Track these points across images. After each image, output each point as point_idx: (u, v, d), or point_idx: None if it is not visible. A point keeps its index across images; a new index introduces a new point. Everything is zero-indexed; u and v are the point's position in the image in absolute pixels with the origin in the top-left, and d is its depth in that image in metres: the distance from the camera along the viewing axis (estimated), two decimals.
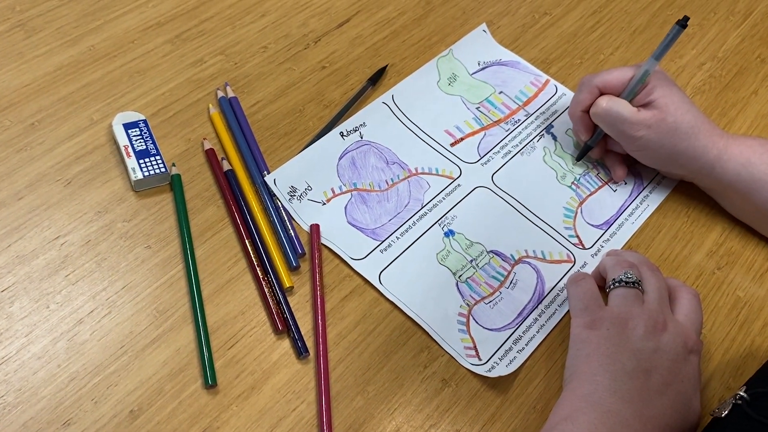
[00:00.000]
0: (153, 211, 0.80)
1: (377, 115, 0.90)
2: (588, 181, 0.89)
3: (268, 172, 0.83)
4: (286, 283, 0.76)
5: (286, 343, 0.73)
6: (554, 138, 0.92)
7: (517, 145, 0.90)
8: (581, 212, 0.86)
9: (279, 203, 0.81)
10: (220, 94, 0.89)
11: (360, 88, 0.93)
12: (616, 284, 0.74)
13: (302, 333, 0.74)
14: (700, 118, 0.81)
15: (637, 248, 0.84)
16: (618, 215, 0.87)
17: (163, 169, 0.80)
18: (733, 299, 0.82)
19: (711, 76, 1.03)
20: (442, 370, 0.74)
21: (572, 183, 0.88)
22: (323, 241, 0.79)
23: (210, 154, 0.84)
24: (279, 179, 0.82)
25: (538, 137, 0.92)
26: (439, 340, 0.75)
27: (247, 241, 0.78)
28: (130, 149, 0.81)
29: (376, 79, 0.94)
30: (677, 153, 0.81)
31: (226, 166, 0.83)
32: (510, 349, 0.75)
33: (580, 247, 0.84)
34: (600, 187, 0.89)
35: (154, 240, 0.78)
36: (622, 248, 0.84)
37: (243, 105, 0.89)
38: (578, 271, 0.79)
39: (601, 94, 0.83)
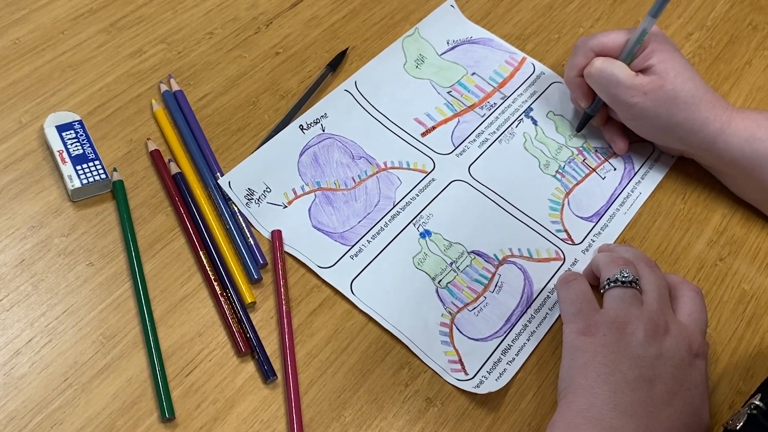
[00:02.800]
0: (94, 223, 0.77)
1: (340, 104, 0.88)
2: (574, 169, 0.87)
3: (222, 174, 0.80)
4: (248, 299, 0.73)
5: (250, 367, 0.71)
6: (534, 122, 0.90)
7: (494, 132, 0.88)
8: (568, 204, 0.84)
9: (235, 208, 0.77)
10: (164, 87, 0.86)
11: (319, 75, 0.90)
12: (611, 284, 0.72)
13: (268, 354, 0.71)
14: (702, 88, 0.80)
15: (631, 241, 0.82)
16: (608, 205, 0.85)
17: (103, 176, 0.78)
18: (738, 293, 0.81)
19: (700, 47, 1.02)
20: (425, 387, 0.72)
21: (557, 172, 0.86)
22: (287, 248, 0.76)
23: (155, 156, 0.81)
24: (234, 182, 0.79)
25: (516, 122, 0.90)
26: (421, 354, 0.73)
27: (201, 252, 0.75)
28: (65, 154, 0.78)
29: (336, 65, 0.91)
30: (675, 124, 0.80)
31: (174, 169, 0.80)
32: (499, 360, 0.73)
33: (570, 242, 0.82)
34: (587, 176, 0.87)
35: (96, 256, 0.75)
36: (615, 242, 0.82)
37: (190, 99, 0.86)
38: (568, 270, 0.77)
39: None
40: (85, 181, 0.77)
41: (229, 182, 0.79)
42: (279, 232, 0.77)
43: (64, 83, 0.86)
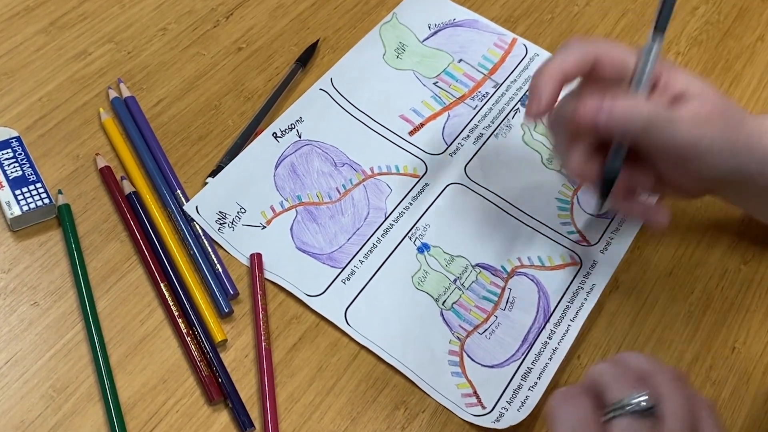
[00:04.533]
0: (38, 255, 0.71)
1: (315, 105, 0.82)
2: None
3: (182, 191, 0.75)
4: (218, 337, 0.68)
5: (224, 416, 0.66)
6: None
7: (489, 126, 0.83)
8: (578, 202, 0.79)
9: (199, 231, 0.71)
10: (113, 94, 0.81)
11: (287, 71, 0.85)
12: (619, 411, 0.54)
13: (243, 401, 0.66)
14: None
15: (644, 247, 0.77)
16: None
17: (46, 200, 0.72)
18: (767, 301, 0.75)
19: (707, 22, 0.97)
20: (424, 430, 0.67)
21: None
22: (268, 275, 0.71)
23: (106, 174, 0.76)
24: (202, 206, 0.74)
25: (512, 113, 0.85)
26: (429, 390, 0.67)
27: (162, 285, 0.70)
28: (1, 177, 0.73)
29: (307, 59, 0.86)
30: (739, 149, 0.66)
31: (127, 188, 0.75)
32: (519, 387, 0.68)
33: (585, 244, 0.77)
34: None
35: (42, 294, 0.70)
36: (630, 245, 0.76)
37: (142, 106, 0.81)
38: (564, 389, 0.59)
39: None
40: (25, 208, 0.72)
41: (197, 207, 0.74)
42: (258, 255, 0.72)
43: None
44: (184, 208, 0.73)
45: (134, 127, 0.79)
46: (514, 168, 0.82)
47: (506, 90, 0.87)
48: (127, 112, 0.80)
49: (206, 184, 0.76)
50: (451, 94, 0.86)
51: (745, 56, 0.94)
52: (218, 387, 0.66)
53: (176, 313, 0.69)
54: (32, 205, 0.72)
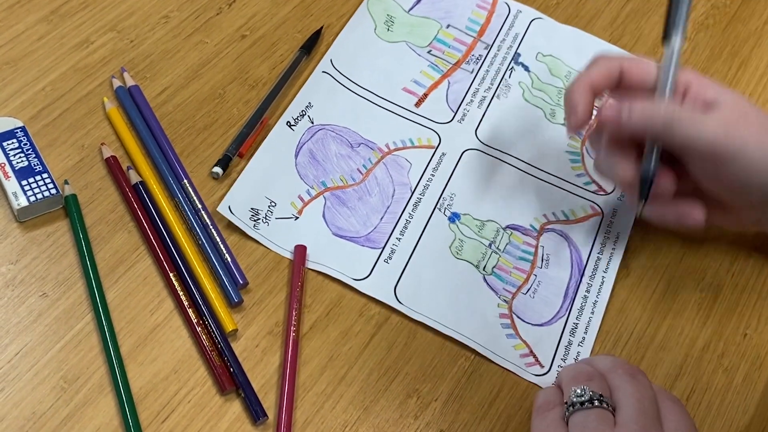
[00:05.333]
0: (45, 246, 0.72)
1: (321, 89, 0.83)
2: None
3: (189, 180, 0.75)
4: (228, 326, 0.69)
5: (236, 406, 0.66)
6: (526, 69, 0.88)
7: (489, 88, 0.86)
8: (587, 152, 0.83)
9: (206, 220, 0.72)
10: (117, 83, 0.81)
11: (292, 59, 0.85)
12: (570, 409, 0.59)
13: (255, 390, 0.66)
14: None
15: (655, 234, 0.79)
16: None
17: (53, 191, 0.72)
18: None
19: (713, 6, 0.97)
20: (437, 418, 0.68)
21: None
22: (311, 265, 0.73)
23: (112, 164, 0.76)
24: (234, 205, 0.75)
25: (508, 72, 0.88)
26: (491, 355, 0.70)
27: (171, 275, 0.70)
28: (7, 168, 0.73)
29: (311, 47, 0.86)
30: None
31: (134, 178, 0.75)
32: (569, 343, 0.72)
33: (602, 193, 0.81)
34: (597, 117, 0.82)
35: (51, 285, 0.70)
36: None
37: (147, 95, 0.81)
38: (547, 391, 0.63)
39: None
40: (32, 198, 0.72)
41: (230, 207, 0.74)
42: (302, 248, 0.73)
43: (1, 84, 0.80)
44: (218, 209, 0.74)
45: (139, 116, 0.79)
46: (521, 127, 0.84)
47: (498, 50, 0.89)
48: (131, 101, 0.80)
49: (213, 172, 0.76)
50: (447, 61, 0.88)
51: (753, 40, 0.94)
52: (230, 377, 0.67)
53: (186, 303, 0.69)
54: (39, 196, 0.72)
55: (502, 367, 0.70)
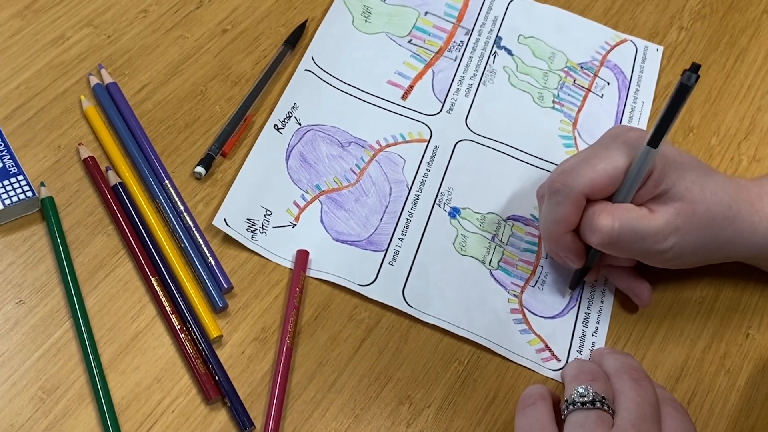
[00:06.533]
0: (22, 251, 0.71)
1: (305, 88, 0.83)
2: (569, 95, 0.86)
3: (170, 181, 0.74)
4: (213, 333, 0.68)
5: (222, 415, 0.66)
6: (509, 52, 0.88)
7: (474, 75, 0.86)
8: (579, 135, 0.84)
9: (189, 222, 0.71)
10: (94, 80, 0.80)
11: (275, 54, 0.84)
12: (570, 407, 0.62)
13: (242, 398, 0.66)
14: (730, 186, 0.69)
15: None
16: (618, 123, 0.84)
17: (29, 193, 0.71)
18: None
19: None
20: (430, 426, 0.67)
21: (554, 102, 0.85)
22: (312, 273, 0.72)
23: (90, 165, 0.75)
24: (230, 217, 0.74)
25: (492, 57, 0.88)
26: (507, 353, 0.70)
27: (153, 279, 0.70)
28: None
29: (295, 41, 0.86)
30: (721, 246, 0.70)
31: (113, 179, 0.74)
32: (583, 334, 0.72)
33: None
34: (585, 98, 0.86)
35: (27, 291, 0.69)
36: None
37: (125, 92, 0.80)
38: (532, 387, 0.66)
39: (587, 201, 0.68)
40: (8, 202, 0.71)
41: (225, 219, 0.73)
42: (305, 253, 0.72)
43: None
44: (214, 222, 0.73)
45: (117, 115, 0.79)
46: (510, 112, 0.84)
47: (479, 35, 0.90)
48: (109, 99, 0.79)
49: (195, 172, 0.75)
50: (429, 50, 0.88)
51: (751, 30, 0.94)
52: (215, 385, 0.66)
53: (169, 309, 0.69)
54: (14, 199, 0.71)
55: (520, 365, 0.70)
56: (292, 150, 0.79)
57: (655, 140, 0.63)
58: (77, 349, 0.67)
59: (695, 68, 0.60)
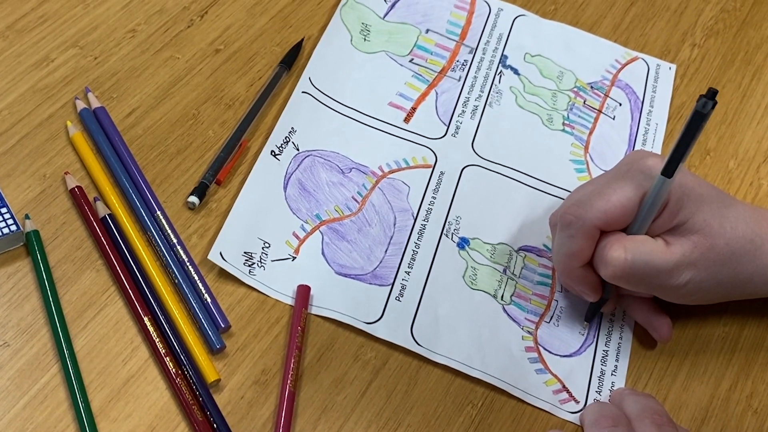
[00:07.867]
0: (5, 289, 0.69)
1: (302, 111, 0.81)
2: (579, 116, 0.85)
3: (162, 211, 0.73)
4: (210, 377, 0.66)
5: None
6: (516, 72, 0.87)
7: (479, 96, 0.85)
8: (591, 159, 0.82)
9: (182, 256, 0.69)
10: (81, 104, 0.79)
11: (271, 75, 0.83)
12: None
13: None
14: (751, 217, 0.67)
15: None
16: (631, 148, 0.83)
17: (13, 227, 0.70)
18: None
19: (723, 10, 0.96)
20: None
21: (564, 125, 0.84)
22: (314, 310, 0.70)
23: (77, 195, 0.73)
24: (226, 250, 0.72)
25: (497, 77, 0.86)
26: (522, 395, 0.68)
27: (145, 318, 0.68)
28: None
29: (291, 61, 0.84)
30: (742, 283, 0.68)
31: (102, 210, 0.73)
32: (602, 373, 0.70)
33: None
34: (596, 120, 0.85)
35: (12, 333, 0.67)
36: None
37: (114, 117, 0.78)
38: (594, 405, 0.68)
39: (601, 233, 0.67)
40: None
41: (221, 253, 0.71)
42: (306, 288, 0.70)
43: None
44: (209, 256, 0.71)
45: (106, 141, 0.77)
46: (519, 136, 0.83)
47: (483, 54, 0.88)
48: (97, 124, 0.78)
49: (188, 202, 0.73)
50: (431, 69, 0.86)
51: (766, 46, 0.94)
52: None
53: (163, 351, 0.67)
54: None
55: (537, 407, 0.68)
56: (290, 177, 0.77)
57: (669, 170, 0.62)
58: (66, 395, 0.65)
59: (712, 94, 0.59)
